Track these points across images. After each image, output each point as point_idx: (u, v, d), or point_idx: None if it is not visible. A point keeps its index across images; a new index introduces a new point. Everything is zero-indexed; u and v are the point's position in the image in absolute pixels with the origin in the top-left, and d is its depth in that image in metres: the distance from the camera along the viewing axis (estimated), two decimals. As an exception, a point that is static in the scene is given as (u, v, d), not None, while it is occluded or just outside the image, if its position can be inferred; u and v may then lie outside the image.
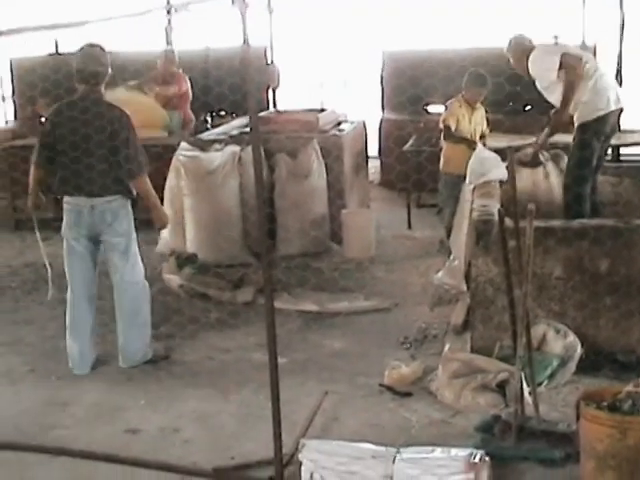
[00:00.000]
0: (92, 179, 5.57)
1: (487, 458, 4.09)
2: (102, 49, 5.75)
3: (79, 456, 4.60)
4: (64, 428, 5.01)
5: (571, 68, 6.46)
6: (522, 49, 6.81)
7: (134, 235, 5.81)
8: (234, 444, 4.71)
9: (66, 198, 5.79)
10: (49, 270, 6.09)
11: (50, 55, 13.03)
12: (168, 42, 12.67)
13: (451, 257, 7.02)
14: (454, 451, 4.15)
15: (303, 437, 4.50)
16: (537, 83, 6.76)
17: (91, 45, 5.76)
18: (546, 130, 6.91)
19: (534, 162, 6.91)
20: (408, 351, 5.91)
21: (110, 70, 5.74)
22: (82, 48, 5.74)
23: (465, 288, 6.64)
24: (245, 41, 3.91)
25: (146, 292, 5.90)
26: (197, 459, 4.56)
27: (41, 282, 7.80)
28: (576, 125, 6.65)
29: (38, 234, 6.16)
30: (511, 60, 6.96)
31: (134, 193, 5.74)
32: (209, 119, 10.64)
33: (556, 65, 6.46)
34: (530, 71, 6.72)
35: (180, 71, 10.57)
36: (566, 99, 6.52)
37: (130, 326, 5.82)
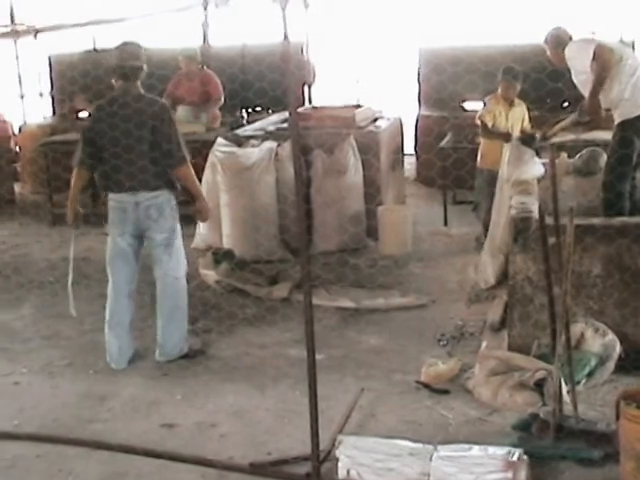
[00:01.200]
0: (135, 175, 5.59)
1: (525, 457, 4.06)
2: (139, 46, 5.79)
3: (117, 450, 4.62)
4: (102, 422, 5.04)
5: (602, 59, 6.38)
6: (559, 41, 6.75)
7: (178, 230, 5.84)
8: (270, 439, 4.71)
9: (110, 195, 5.81)
10: (69, 288, 6.07)
11: (88, 51, 13.13)
12: (205, 38, 12.72)
13: (482, 251, 6.99)
14: (492, 449, 4.13)
15: (340, 433, 4.50)
16: (573, 76, 6.70)
17: (128, 42, 5.81)
18: (568, 120, 6.84)
19: (528, 141, 6.90)
20: (445, 348, 5.88)
21: (146, 66, 5.78)
22: (119, 45, 5.78)
23: (493, 281, 6.61)
24: (285, 37, 3.91)
25: (185, 287, 5.93)
26: (233, 454, 4.56)
27: (79, 277, 7.88)
28: (617, 122, 6.57)
29: (72, 251, 6.14)
30: (548, 52, 6.90)
31: (178, 186, 5.77)
32: (245, 115, 10.65)
33: (589, 56, 6.39)
34: (567, 63, 6.67)
35: (205, 69, 10.61)
36: (594, 89, 6.43)
37: (170, 321, 5.85)
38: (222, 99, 10.41)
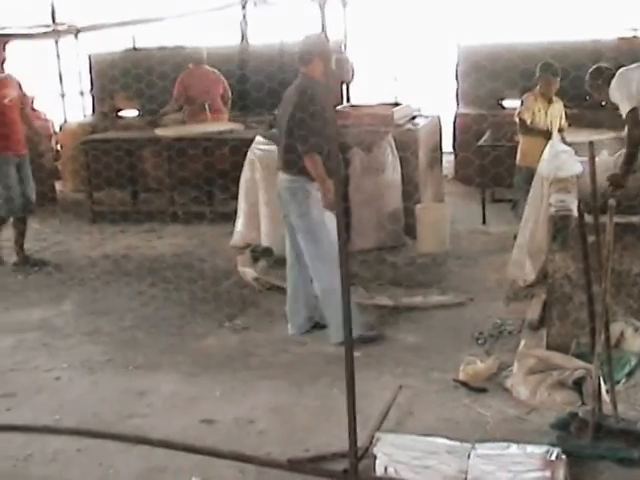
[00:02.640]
0: (280, 157, 5.98)
1: (563, 456, 4.04)
2: (320, 35, 5.85)
3: (156, 445, 4.67)
4: (141, 417, 5.09)
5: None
6: (602, 78, 6.67)
7: (316, 218, 5.91)
8: (308, 436, 4.73)
9: None
10: None
11: (127, 50, 13.23)
12: (243, 37, 12.76)
13: (515, 249, 6.95)
14: (530, 448, 4.13)
15: (377, 431, 4.51)
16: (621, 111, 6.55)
17: (310, 32, 6.02)
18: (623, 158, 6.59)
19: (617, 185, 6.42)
20: (483, 347, 5.87)
21: (321, 55, 5.80)
22: (306, 35, 6.06)
23: (532, 279, 6.56)
24: (324, 35, 3.92)
25: (336, 271, 5.89)
26: (271, 450, 4.59)
27: (119, 274, 7.97)
28: None
29: None
30: (591, 91, 6.84)
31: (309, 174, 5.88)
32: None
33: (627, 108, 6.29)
34: (611, 99, 6.56)
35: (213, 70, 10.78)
36: (628, 157, 6.30)
37: (325, 307, 5.98)
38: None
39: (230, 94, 10.80)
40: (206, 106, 10.39)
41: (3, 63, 8.17)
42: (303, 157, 5.80)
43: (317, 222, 5.92)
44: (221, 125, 10.25)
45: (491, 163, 9.15)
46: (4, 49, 8.14)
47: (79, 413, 5.16)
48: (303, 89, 5.88)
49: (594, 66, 7.00)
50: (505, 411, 4.91)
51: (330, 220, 5.84)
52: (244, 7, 12.62)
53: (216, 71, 10.76)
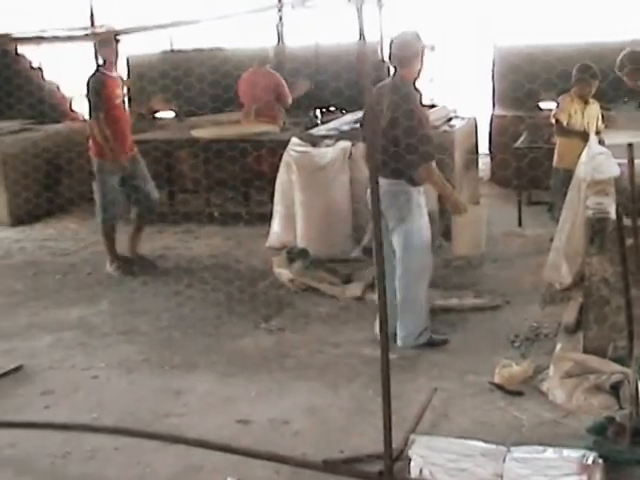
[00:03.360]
0: (379, 161, 5.64)
1: (600, 460, 4.02)
2: (413, 36, 5.86)
3: (192, 444, 4.68)
4: (178, 416, 5.13)
5: None
6: (636, 63, 6.61)
7: (418, 224, 5.90)
8: (343, 437, 4.74)
9: None
10: None
11: (165, 52, 13.33)
12: (280, 39, 12.80)
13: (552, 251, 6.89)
14: (566, 452, 4.10)
15: (412, 433, 4.51)
16: None
17: (406, 31, 5.91)
18: None
19: None
20: (519, 350, 5.84)
21: (419, 56, 5.83)
22: (401, 33, 5.90)
23: (569, 280, 6.50)
24: (361, 36, 3.93)
25: (417, 278, 5.95)
26: (307, 451, 4.60)
27: (156, 274, 8.03)
28: None
29: None
30: (624, 76, 6.78)
31: (418, 182, 5.83)
32: (319, 115, 10.70)
33: None
34: None
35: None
36: None
37: (404, 310, 5.93)
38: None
39: (289, 99, 10.67)
40: (252, 109, 10.36)
41: (116, 62, 8.19)
42: (416, 168, 5.69)
43: (415, 227, 5.89)
44: (256, 127, 10.27)
45: (528, 165, 9.10)
46: (116, 48, 8.11)
47: (116, 412, 5.21)
48: (406, 94, 5.73)
49: (627, 50, 6.90)
50: (541, 414, 4.89)
51: (427, 228, 5.91)
52: (280, 10, 12.66)
53: (277, 74, 10.68)
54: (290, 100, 10.42)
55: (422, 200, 5.97)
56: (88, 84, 7.91)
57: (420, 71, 5.89)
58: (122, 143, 8.01)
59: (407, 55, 5.79)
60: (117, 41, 8.10)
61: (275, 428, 4.92)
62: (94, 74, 7.96)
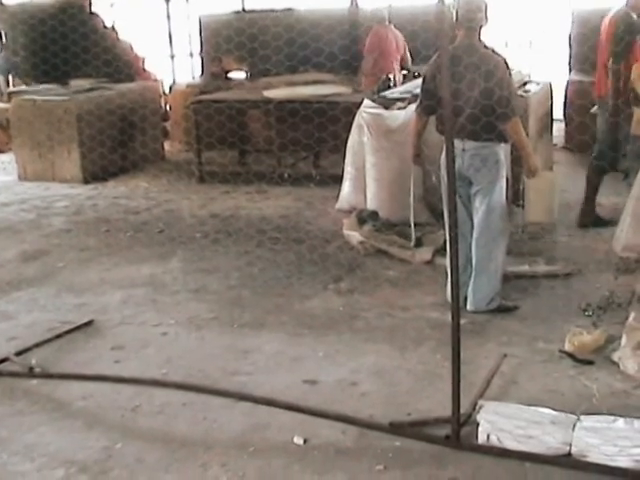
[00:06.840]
0: (464, 124, 5.70)
1: (673, 433, 3.96)
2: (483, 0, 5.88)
3: (259, 402, 4.71)
4: (245, 375, 5.16)
5: None
6: None
7: (501, 184, 5.85)
8: (410, 400, 4.72)
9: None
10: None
11: (237, 12, 13.33)
12: (353, 1, 12.71)
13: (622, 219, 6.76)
14: (637, 423, 4.05)
15: (481, 398, 4.48)
16: None
17: None
18: None
19: None
20: (590, 318, 5.75)
21: (486, 19, 5.83)
22: None
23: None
24: (440, -2, 3.88)
25: (500, 242, 5.93)
26: (373, 413, 4.59)
27: (225, 233, 8.08)
28: None
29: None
30: None
31: (507, 139, 5.82)
32: (392, 78, 10.60)
33: None
34: None
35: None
36: None
37: (480, 272, 5.90)
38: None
39: (410, 58, 10.63)
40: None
41: None
42: (507, 121, 5.66)
43: (499, 188, 5.84)
44: (328, 88, 10.23)
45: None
46: None
47: (185, 368, 5.26)
48: (485, 55, 5.73)
49: None
50: (612, 384, 4.81)
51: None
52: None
53: (399, 33, 10.70)
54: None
55: (505, 161, 5.91)
56: None
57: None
58: None
59: (479, 16, 5.77)
60: None
61: (342, 389, 4.92)
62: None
